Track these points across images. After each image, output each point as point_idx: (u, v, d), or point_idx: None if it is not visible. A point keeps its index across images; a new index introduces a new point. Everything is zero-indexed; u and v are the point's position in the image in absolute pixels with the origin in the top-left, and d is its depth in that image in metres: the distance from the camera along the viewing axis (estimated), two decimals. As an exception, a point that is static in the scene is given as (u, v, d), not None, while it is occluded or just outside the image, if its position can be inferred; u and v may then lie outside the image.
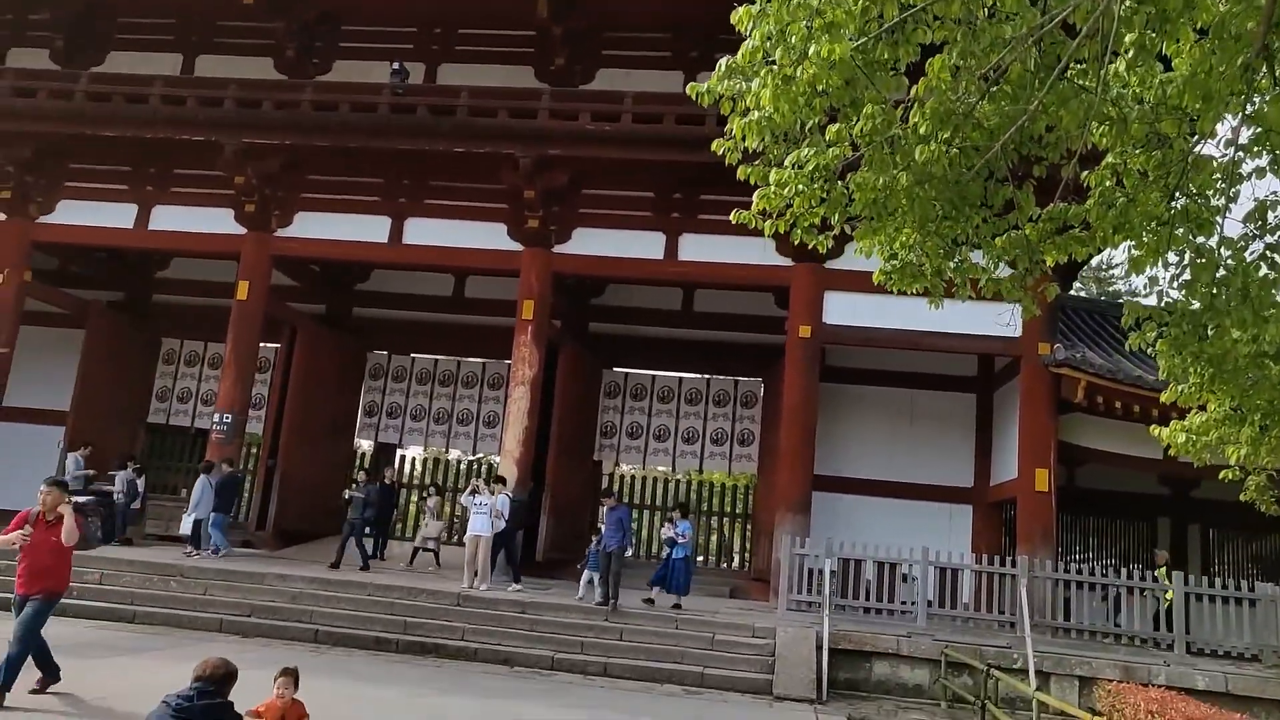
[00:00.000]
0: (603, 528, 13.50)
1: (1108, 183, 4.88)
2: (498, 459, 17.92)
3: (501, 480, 15.22)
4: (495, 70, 17.89)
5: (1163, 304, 5.40)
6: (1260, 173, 5.03)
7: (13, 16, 19.23)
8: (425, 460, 24.31)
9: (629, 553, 13.40)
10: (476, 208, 17.12)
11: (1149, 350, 5.77)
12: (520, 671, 11.41)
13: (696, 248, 16.40)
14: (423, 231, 17.24)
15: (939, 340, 15.40)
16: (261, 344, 18.54)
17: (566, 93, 16.76)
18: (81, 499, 16.47)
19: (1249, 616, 13.26)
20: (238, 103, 16.63)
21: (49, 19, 19.12)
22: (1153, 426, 8.86)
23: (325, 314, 20.80)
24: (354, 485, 16.84)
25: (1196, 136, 4.62)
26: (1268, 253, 5.14)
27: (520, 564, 15.21)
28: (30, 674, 7.99)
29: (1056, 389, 14.94)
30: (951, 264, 5.23)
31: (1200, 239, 4.79)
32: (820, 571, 13.64)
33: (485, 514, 14.27)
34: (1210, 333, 5.23)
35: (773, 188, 4.73)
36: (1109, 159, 4.85)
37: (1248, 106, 4.55)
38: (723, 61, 4.78)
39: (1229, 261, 4.91)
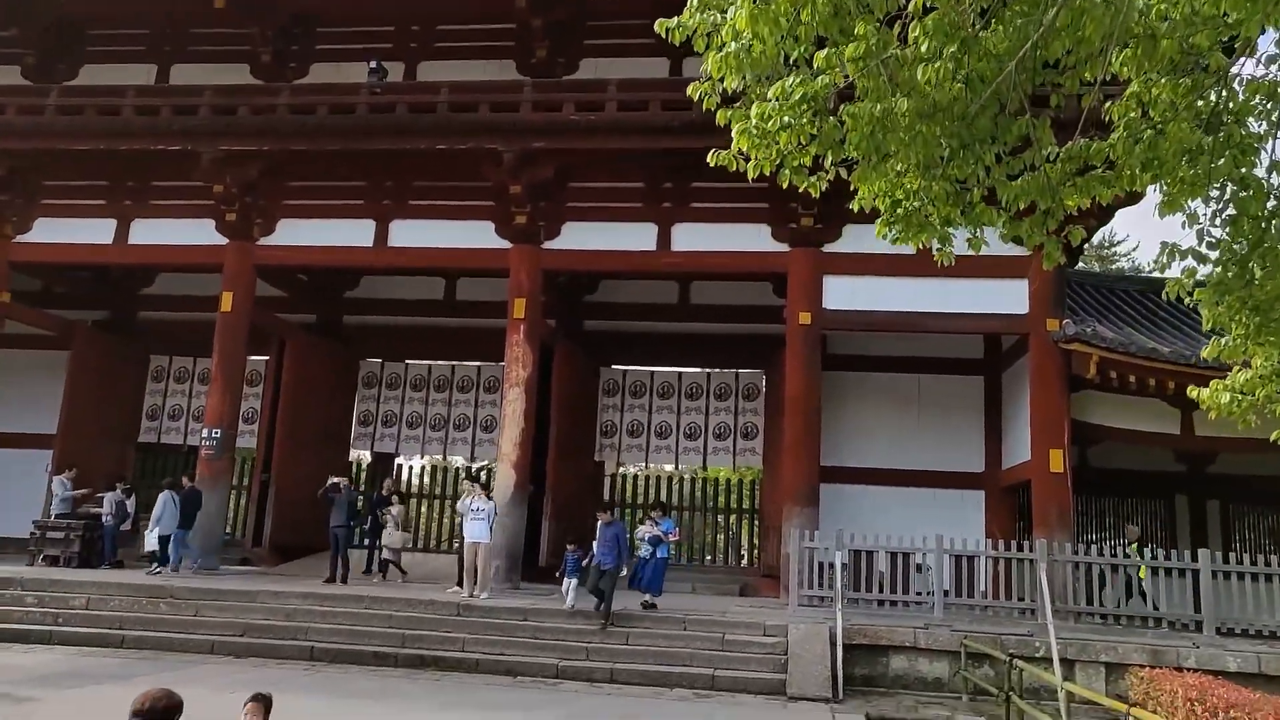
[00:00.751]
0: (595, 545, 12.75)
1: (1133, 113, 4.38)
2: (498, 464, 17.47)
3: (476, 479, 14.51)
4: (476, 66, 17.50)
5: (1203, 244, 4.82)
6: None
7: (-18, 35, 18.86)
8: (424, 468, 23.86)
9: (623, 572, 12.85)
10: (462, 206, 16.67)
11: (1187, 299, 5.23)
12: (524, 681, 10.97)
13: (690, 237, 15.88)
14: (408, 233, 16.79)
15: (943, 321, 15.01)
16: (252, 357, 18.20)
17: (549, 84, 16.29)
18: (64, 522, 16.23)
19: (1278, 593, 12.81)
20: (213, 110, 16.21)
21: (18, 35, 18.72)
22: (1191, 388, 8.13)
23: (315, 323, 20.36)
24: (333, 485, 15.58)
25: (1235, 54, 4.11)
26: None
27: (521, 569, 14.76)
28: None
29: (1067, 366, 14.46)
30: (960, 211, 4.71)
31: (1244, 169, 4.27)
32: (831, 565, 13.17)
33: (483, 519, 13.81)
34: (1258, 275, 4.69)
35: (754, 120, 4.22)
36: (1133, 87, 4.33)
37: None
38: None
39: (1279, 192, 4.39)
